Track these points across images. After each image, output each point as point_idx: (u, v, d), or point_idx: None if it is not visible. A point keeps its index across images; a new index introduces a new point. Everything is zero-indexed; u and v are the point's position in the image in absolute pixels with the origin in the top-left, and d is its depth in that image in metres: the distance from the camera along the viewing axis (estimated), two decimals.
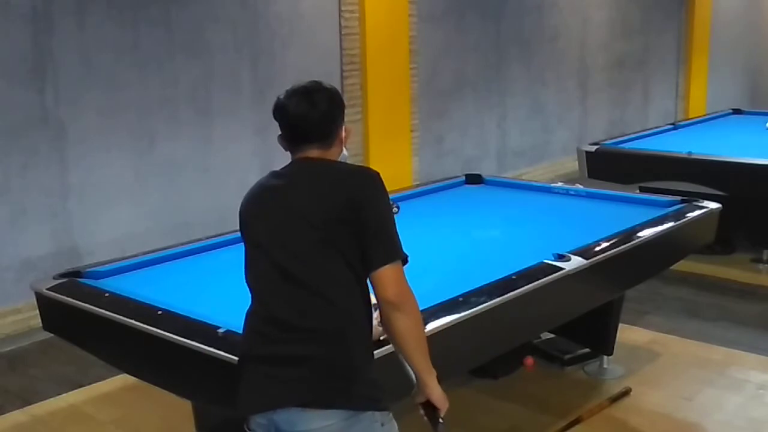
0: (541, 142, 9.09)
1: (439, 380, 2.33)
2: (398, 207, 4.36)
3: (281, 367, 2.16)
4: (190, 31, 5.72)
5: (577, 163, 6.42)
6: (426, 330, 2.67)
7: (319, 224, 2.15)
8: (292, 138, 2.31)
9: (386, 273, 2.14)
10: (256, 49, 6.09)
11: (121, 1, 5.36)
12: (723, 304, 5.46)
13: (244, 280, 2.30)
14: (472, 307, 2.87)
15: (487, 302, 2.92)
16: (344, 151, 2.37)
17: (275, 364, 2.17)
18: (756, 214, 5.74)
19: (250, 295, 2.29)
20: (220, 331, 2.63)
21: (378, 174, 2.23)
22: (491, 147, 8.48)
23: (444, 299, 2.90)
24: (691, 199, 4.39)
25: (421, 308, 2.77)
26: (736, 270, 5.99)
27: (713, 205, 4.29)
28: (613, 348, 4.29)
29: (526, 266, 3.26)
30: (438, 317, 2.78)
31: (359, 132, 6.81)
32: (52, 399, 4.24)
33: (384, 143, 6.95)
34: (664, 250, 4.08)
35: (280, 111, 2.30)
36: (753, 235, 6.10)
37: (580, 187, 4.97)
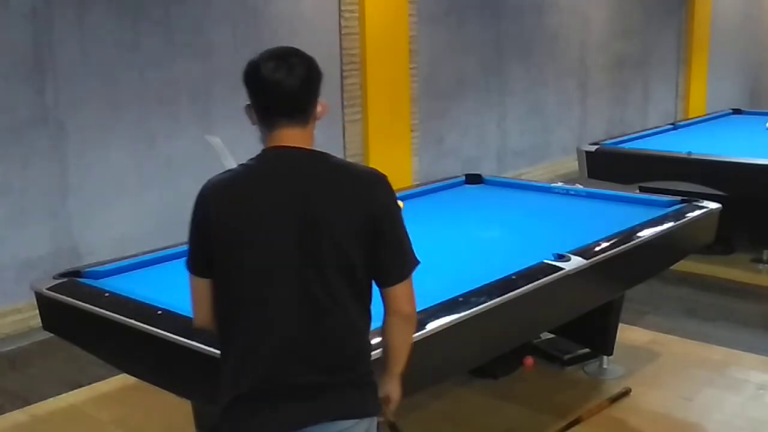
0: (541, 142, 9.09)
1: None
2: (402, 204, 4.37)
3: (309, 391, 2.04)
4: (190, 31, 5.72)
5: (577, 163, 6.42)
6: (426, 330, 2.69)
7: (342, 237, 1.99)
8: (265, 110, 2.08)
9: (404, 289, 2.08)
10: (256, 49, 6.03)
11: (121, 0, 5.36)
12: (723, 304, 5.46)
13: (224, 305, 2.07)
14: (472, 307, 2.87)
15: (487, 302, 2.92)
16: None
17: (302, 389, 2.03)
18: (756, 214, 5.74)
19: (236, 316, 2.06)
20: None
21: (388, 179, 2.10)
22: (491, 147, 8.48)
23: (444, 299, 2.90)
24: (691, 199, 4.39)
25: (421, 308, 2.79)
26: (736, 270, 5.99)
27: (713, 205, 4.29)
28: (613, 348, 4.29)
29: (526, 266, 3.26)
30: (438, 317, 2.78)
31: (359, 132, 6.81)
32: (52, 399, 4.24)
33: (384, 143, 6.95)
34: (664, 250, 4.08)
35: (252, 76, 2.08)
36: (753, 235, 6.10)
37: (580, 187, 4.97)
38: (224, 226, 2.02)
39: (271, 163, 2.08)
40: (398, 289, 2.07)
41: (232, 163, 2.69)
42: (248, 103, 2.13)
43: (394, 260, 2.06)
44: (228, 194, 2.05)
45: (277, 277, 2.00)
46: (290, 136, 2.07)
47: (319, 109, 2.13)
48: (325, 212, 2.00)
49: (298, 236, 1.99)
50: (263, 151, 2.11)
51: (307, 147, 2.08)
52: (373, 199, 2.04)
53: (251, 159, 2.12)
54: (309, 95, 2.09)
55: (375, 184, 2.07)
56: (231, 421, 2.11)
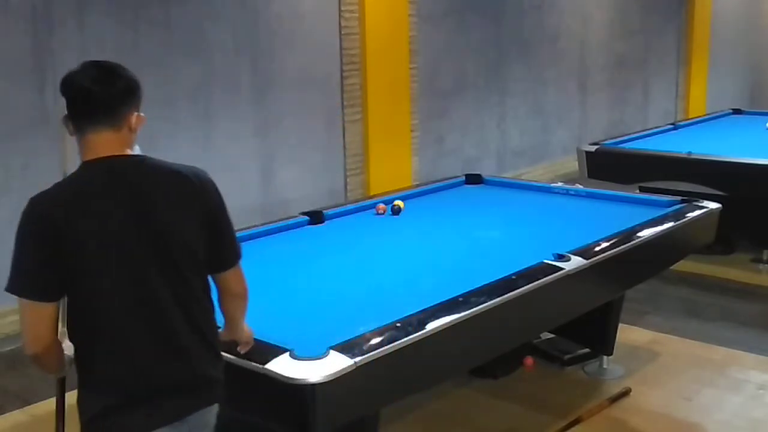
0: (541, 142, 9.09)
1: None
2: (402, 204, 4.38)
3: (187, 385, 2.18)
4: (190, 31, 5.72)
5: (577, 163, 6.43)
6: (426, 330, 2.69)
7: (189, 236, 2.14)
8: (77, 114, 2.12)
9: (238, 271, 2.30)
10: (256, 49, 6.09)
11: (121, 1, 5.36)
12: (723, 304, 5.46)
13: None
14: (472, 307, 2.87)
15: (487, 302, 2.92)
16: (136, 147, 2.21)
17: (179, 385, 2.16)
18: (756, 214, 5.74)
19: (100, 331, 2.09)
20: (220, 330, 2.63)
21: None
22: (491, 147, 8.48)
23: (444, 299, 2.90)
24: (691, 199, 4.40)
25: (421, 308, 2.81)
26: (736, 270, 5.99)
27: (713, 205, 4.30)
28: (613, 348, 4.30)
29: (526, 266, 3.26)
30: (438, 317, 2.78)
31: (359, 132, 6.81)
32: (52, 399, 4.21)
33: (384, 143, 6.95)
34: (664, 250, 4.08)
35: (66, 82, 2.14)
36: (753, 235, 6.11)
37: (580, 187, 4.97)
38: (76, 242, 2.02)
39: (101, 178, 2.10)
40: (235, 272, 2.29)
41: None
42: (66, 113, 2.16)
43: (229, 248, 2.27)
44: (75, 209, 2.05)
45: (137, 284, 2.08)
46: (103, 141, 2.10)
47: (134, 120, 2.15)
48: (169, 216, 2.11)
49: (151, 244, 2.08)
50: (85, 164, 2.12)
51: (124, 153, 2.13)
52: (208, 196, 2.20)
53: (76, 172, 2.14)
54: (119, 104, 2.12)
55: (207, 182, 2.22)
56: (105, 425, 2.13)
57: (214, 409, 2.26)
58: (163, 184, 2.13)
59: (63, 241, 2.01)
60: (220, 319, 2.35)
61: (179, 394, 2.16)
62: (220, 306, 2.33)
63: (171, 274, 2.11)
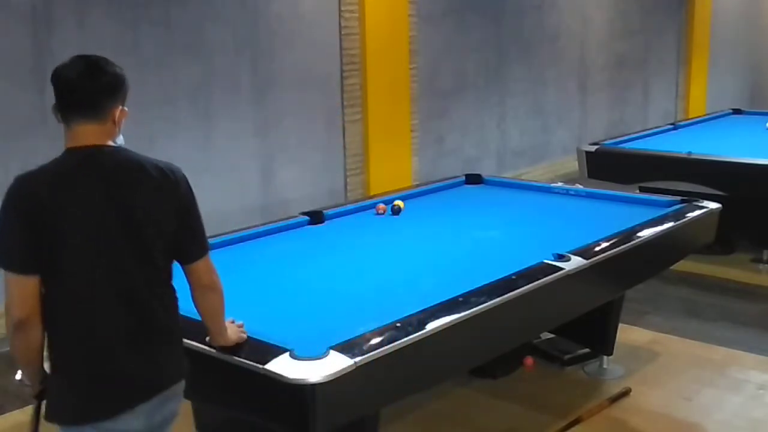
0: (541, 142, 9.09)
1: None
2: (403, 204, 4.38)
3: (155, 364, 2.29)
4: (190, 31, 5.72)
5: (577, 163, 6.43)
6: (426, 330, 2.69)
7: (162, 225, 2.25)
8: (63, 106, 2.22)
9: (205, 263, 2.36)
10: (256, 49, 6.09)
11: (121, 1, 5.36)
12: (723, 304, 5.47)
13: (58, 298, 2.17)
14: (472, 307, 2.87)
15: (487, 302, 2.92)
16: (120, 138, 2.35)
17: (148, 365, 2.27)
18: (756, 214, 5.74)
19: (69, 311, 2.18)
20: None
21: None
22: (491, 147, 8.48)
23: (444, 299, 2.90)
24: (691, 199, 4.40)
25: (421, 308, 2.81)
26: (736, 270, 5.99)
27: (713, 205, 4.30)
28: (613, 348, 4.30)
29: (526, 266, 3.26)
30: (438, 317, 2.78)
31: (359, 132, 6.81)
32: None
33: (384, 143, 6.95)
34: (664, 250, 4.08)
35: (54, 75, 2.24)
36: (753, 235, 6.11)
37: (580, 187, 4.97)
38: (59, 218, 2.13)
39: (82, 163, 2.21)
40: (201, 264, 2.35)
41: None
42: (54, 102, 2.26)
43: (197, 241, 2.36)
44: (58, 188, 2.15)
45: (111, 266, 2.18)
46: (87, 132, 2.22)
47: (117, 113, 2.28)
48: (143, 204, 2.22)
49: (125, 228, 2.19)
50: (68, 150, 2.23)
51: (106, 144, 2.25)
52: (181, 189, 2.30)
53: (59, 157, 2.24)
54: (104, 98, 2.24)
55: (180, 177, 2.32)
56: (71, 406, 2.22)
57: (179, 390, 2.37)
58: (138, 173, 2.24)
59: (47, 216, 2.12)
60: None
61: (146, 376, 2.26)
62: (194, 303, 2.40)
63: (143, 258, 2.22)
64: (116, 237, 2.18)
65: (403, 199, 4.52)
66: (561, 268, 3.29)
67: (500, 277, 3.14)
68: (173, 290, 2.36)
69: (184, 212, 2.31)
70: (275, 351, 2.47)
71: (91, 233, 2.15)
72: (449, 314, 2.81)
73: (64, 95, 2.23)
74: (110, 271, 2.18)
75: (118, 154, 2.26)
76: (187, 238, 2.33)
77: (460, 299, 2.91)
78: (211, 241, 3.79)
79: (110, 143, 2.26)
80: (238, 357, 2.48)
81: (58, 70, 2.24)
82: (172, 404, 2.35)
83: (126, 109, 2.32)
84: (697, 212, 4.20)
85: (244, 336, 2.55)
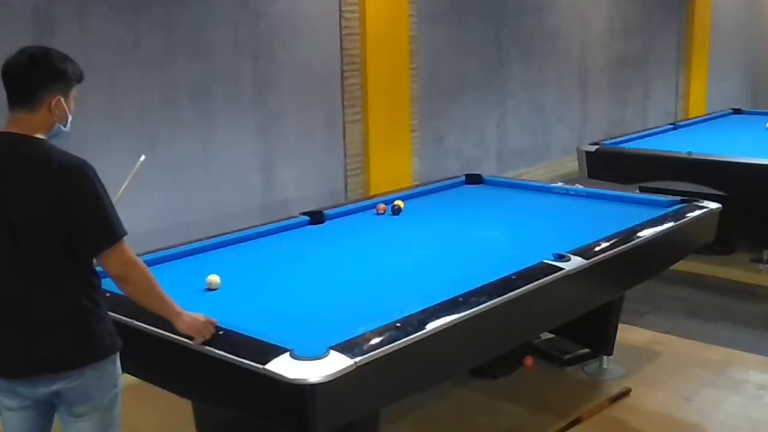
0: (541, 142, 9.09)
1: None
2: (402, 204, 4.39)
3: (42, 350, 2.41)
4: (191, 32, 5.72)
5: (577, 163, 6.43)
6: (426, 330, 2.69)
7: (38, 217, 2.31)
8: (6, 94, 2.35)
9: (111, 255, 2.39)
10: (256, 50, 6.08)
11: (122, 2, 5.36)
12: (723, 304, 5.47)
13: None
14: (472, 307, 2.87)
15: (487, 302, 2.93)
16: (63, 128, 2.43)
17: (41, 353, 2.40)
18: (756, 214, 5.74)
19: None
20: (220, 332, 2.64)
21: (87, 163, 2.38)
22: (491, 147, 8.48)
23: (444, 299, 2.90)
24: (691, 199, 4.40)
25: (421, 308, 2.81)
26: (736, 270, 5.99)
27: (713, 205, 4.30)
28: (613, 348, 4.30)
29: (526, 266, 3.26)
30: (438, 317, 2.78)
31: (359, 132, 6.81)
32: None
33: (384, 143, 6.95)
34: (664, 250, 4.09)
35: (3, 64, 2.37)
36: (753, 235, 6.11)
37: (580, 187, 4.97)
38: None
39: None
40: (105, 258, 2.39)
41: (124, 188, 3.13)
42: None
43: (93, 233, 2.36)
44: None
45: None
46: (19, 120, 2.34)
47: (53, 103, 2.36)
48: (18, 197, 2.30)
49: (5, 220, 2.30)
50: None
51: (29, 133, 2.34)
52: (67, 181, 2.31)
53: None
54: (35, 86, 2.33)
55: (71, 168, 2.33)
56: None
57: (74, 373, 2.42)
58: (23, 167, 2.31)
59: None
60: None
61: (14, 363, 2.39)
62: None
63: (20, 253, 2.32)
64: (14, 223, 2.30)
65: (403, 199, 4.53)
66: (561, 268, 3.29)
67: (500, 277, 3.14)
68: (75, 280, 2.41)
69: (68, 203, 2.31)
70: (275, 351, 2.48)
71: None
72: (449, 314, 2.81)
73: (4, 83, 2.35)
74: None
75: (21, 145, 2.32)
76: (80, 230, 2.34)
77: (460, 299, 2.92)
78: (211, 241, 3.86)
79: (40, 135, 2.35)
80: (238, 357, 2.48)
81: (6, 60, 2.36)
82: (60, 384, 2.42)
83: (66, 99, 2.39)
84: (697, 212, 4.20)
85: (206, 335, 2.57)
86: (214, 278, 3.24)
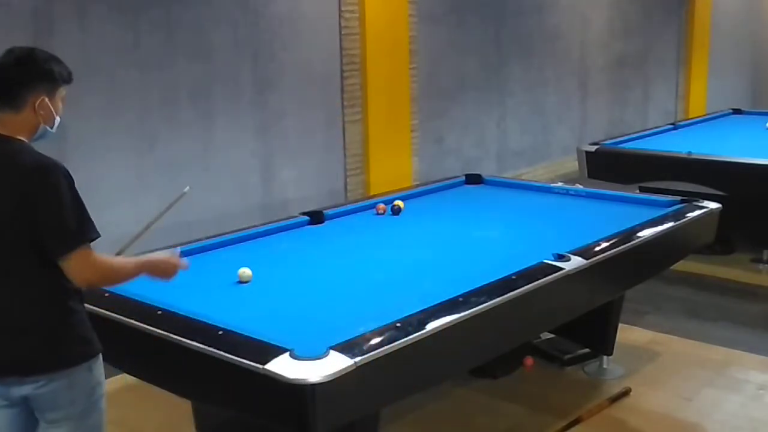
0: (541, 142, 9.09)
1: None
2: (402, 204, 4.38)
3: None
4: (191, 32, 5.72)
5: (577, 163, 6.43)
6: (426, 330, 2.69)
7: (4, 217, 2.29)
8: None
9: (71, 263, 2.32)
10: (256, 50, 6.08)
11: (122, 2, 5.36)
12: (723, 304, 5.47)
13: None
14: (472, 307, 2.87)
15: (487, 302, 2.92)
16: (49, 128, 2.42)
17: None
18: (756, 214, 5.74)
19: None
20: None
21: (56, 165, 2.31)
22: (491, 147, 8.48)
23: (444, 299, 2.90)
24: (691, 199, 4.40)
25: (421, 308, 2.81)
26: (736, 270, 5.99)
27: (713, 205, 4.30)
28: (612, 348, 4.30)
29: (526, 266, 3.26)
30: (438, 317, 2.78)
31: (359, 132, 6.81)
32: None
33: (384, 143, 6.95)
34: (664, 250, 4.09)
35: None
36: (753, 235, 6.11)
37: (580, 187, 4.97)
38: None
39: None
40: (66, 263, 2.32)
41: (163, 216, 3.02)
42: None
43: (53, 237, 2.31)
44: None
45: None
46: (4, 121, 2.35)
47: (38, 103, 2.36)
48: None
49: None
50: None
51: (12, 134, 2.34)
52: (32, 181, 2.28)
53: None
54: (16, 85, 2.34)
55: (38, 169, 2.29)
56: None
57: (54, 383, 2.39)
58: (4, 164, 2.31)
59: None
60: None
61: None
62: None
63: None
64: None
65: (403, 199, 4.53)
66: (561, 268, 3.29)
67: (500, 277, 3.14)
68: (44, 284, 2.36)
69: (31, 205, 2.28)
70: (275, 351, 2.47)
71: None
72: (449, 314, 2.81)
73: None
74: None
75: (9, 146, 2.32)
76: (41, 234, 2.30)
77: (460, 299, 2.91)
78: (211, 241, 3.86)
79: (23, 135, 2.35)
80: (238, 357, 2.48)
81: None
82: (30, 388, 2.39)
83: (52, 100, 2.39)
84: (697, 212, 4.20)
85: (172, 271, 2.62)
86: (245, 271, 3.26)
